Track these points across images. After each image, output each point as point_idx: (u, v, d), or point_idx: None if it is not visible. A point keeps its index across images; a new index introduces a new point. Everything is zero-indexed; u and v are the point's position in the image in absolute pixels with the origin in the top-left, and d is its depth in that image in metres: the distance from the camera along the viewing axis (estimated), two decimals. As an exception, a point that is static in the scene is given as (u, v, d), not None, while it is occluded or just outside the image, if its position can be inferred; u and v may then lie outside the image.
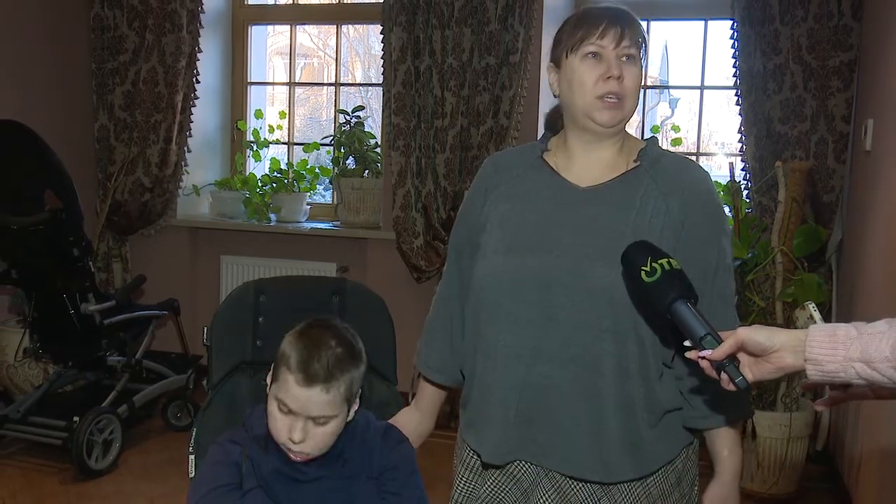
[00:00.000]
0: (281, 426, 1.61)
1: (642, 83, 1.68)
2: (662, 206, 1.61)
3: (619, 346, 1.56)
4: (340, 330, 1.66)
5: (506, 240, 1.66)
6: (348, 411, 1.65)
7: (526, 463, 1.64)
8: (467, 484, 1.74)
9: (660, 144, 1.72)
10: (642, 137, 1.89)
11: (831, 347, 1.19)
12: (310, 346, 1.60)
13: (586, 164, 1.67)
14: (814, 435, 3.76)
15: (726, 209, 3.94)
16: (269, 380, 1.66)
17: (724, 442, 1.66)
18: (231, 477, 1.66)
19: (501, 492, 1.68)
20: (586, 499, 1.61)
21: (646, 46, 1.65)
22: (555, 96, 1.72)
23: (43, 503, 3.44)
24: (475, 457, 1.71)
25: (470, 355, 1.71)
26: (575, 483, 1.61)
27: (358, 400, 1.68)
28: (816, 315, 3.04)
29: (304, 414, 1.59)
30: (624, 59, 1.61)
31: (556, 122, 1.79)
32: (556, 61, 1.67)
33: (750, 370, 1.27)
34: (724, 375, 1.27)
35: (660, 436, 1.62)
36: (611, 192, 1.64)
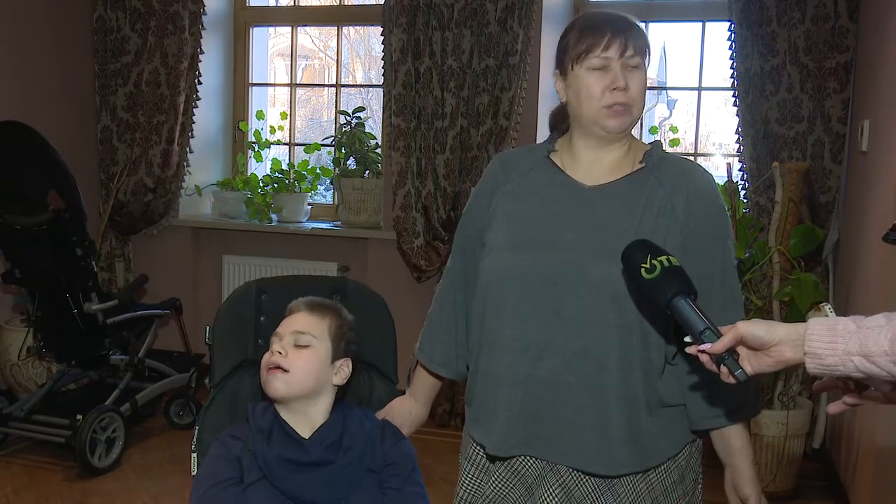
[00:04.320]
0: (267, 354, 1.74)
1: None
2: (668, 206, 1.64)
3: (623, 340, 1.59)
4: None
5: (512, 236, 1.69)
6: (332, 358, 1.75)
7: (530, 458, 1.67)
8: (473, 480, 1.76)
9: (664, 147, 1.75)
10: (640, 137, 1.91)
11: (830, 341, 1.20)
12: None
13: (592, 165, 1.70)
14: (811, 432, 3.79)
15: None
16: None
17: (737, 435, 1.68)
18: (232, 471, 1.69)
19: (506, 488, 1.71)
20: (590, 493, 1.64)
21: (649, 51, 1.68)
22: (562, 103, 1.74)
23: (46, 501, 3.47)
24: (480, 452, 1.74)
25: (475, 350, 1.74)
26: (580, 477, 1.64)
27: (349, 364, 1.78)
28: (833, 316, 3.05)
29: (289, 330, 1.74)
30: (628, 68, 1.63)
31: (559, 122, 1.81)
32: (561, 70, 1.69)
33: (749, 363, 1.28)
34: (723, 368, 1.29)
35: (661, 430, 1.65)
36: (617, 192, 1.67)
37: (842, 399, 1.32)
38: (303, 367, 1.71)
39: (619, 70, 1.63)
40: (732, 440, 1.69)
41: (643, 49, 1.65)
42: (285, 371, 1.70)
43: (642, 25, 1.70)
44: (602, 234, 1.63)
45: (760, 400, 1.77)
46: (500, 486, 1.71)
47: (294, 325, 1.75)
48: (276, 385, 1.70)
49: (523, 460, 1.68)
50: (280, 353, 1.71)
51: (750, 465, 1.70)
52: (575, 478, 1.64)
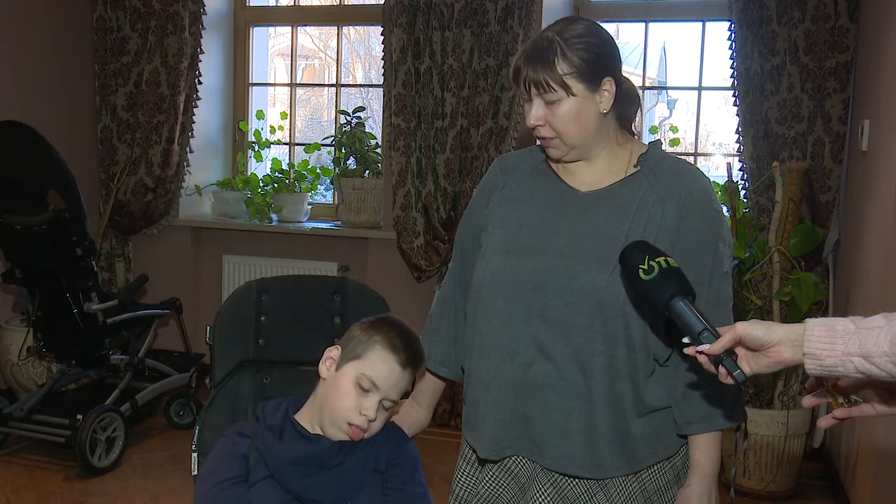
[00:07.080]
0: (352, 404, 1.66)
1: (607, 105, 1.61)
2: (658, 212, 1.63)
3: (609, 347, 1.59)
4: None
5: (505, 241, 1.69)
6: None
7: (522, 458, 1.68)
8: (468, 478, 1.77)
9: (663, 148, 1.74)
10: (640, 137, 1.89)
11: (830, 342, 1.19)
12: (404, 333, 1.70)
13: (586, 169, 1.69)
14: (811, 432, 3.79)
15: (724, 209, 4.00)
16: (336, 355, 1.71)
17: (697, 444, 1.65)
18: (239, 469, 1.68)
19: (499, 487, 1.71)
20: (582, 494, 1.64)
21: (583, 72, 1.57)
22: None
23: (46, 500, 3.47)
24: (474, 452, 1.75)
25: (468, 352, 1.75)
26: (570, 479, 1.64)
27: None
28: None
29: (384, 392, 1.66)
30: (546, 103, 1.59)
31: None
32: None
33: (748, 364, 1.28)
34: (721, 369, 1.28)
35: (653, 434, 1.65)
36: (609, 197, 1.66)
37: (830, 413, 1.31)
38: (378, 427, 1.70)
39: (537, 106, 1.59)
40: (693, 449, 1.66)
41: (562, 79, 1.56)
42: (363, 431, 1.69)
43: (572, 47, 1.56)
44: (591, 240, 1.62)
45: (740, 412, 1.71)
46: (493, 484, 1.72)
47: (393, 390, 1.69)
48: (353, 437, 1.68)
49: (515, 460, 1.69)
50: (371, 421, 1.67)
51: (702, 481, 1.64)
52: (566, 479, 1.65)
